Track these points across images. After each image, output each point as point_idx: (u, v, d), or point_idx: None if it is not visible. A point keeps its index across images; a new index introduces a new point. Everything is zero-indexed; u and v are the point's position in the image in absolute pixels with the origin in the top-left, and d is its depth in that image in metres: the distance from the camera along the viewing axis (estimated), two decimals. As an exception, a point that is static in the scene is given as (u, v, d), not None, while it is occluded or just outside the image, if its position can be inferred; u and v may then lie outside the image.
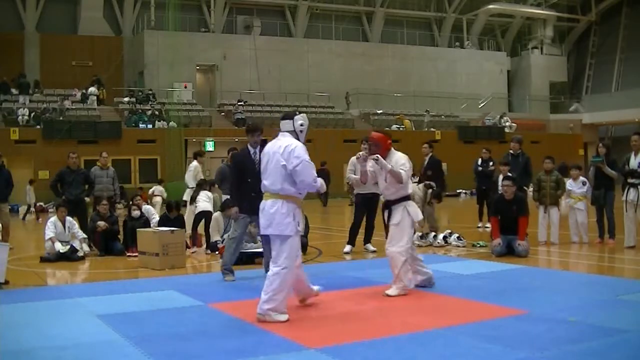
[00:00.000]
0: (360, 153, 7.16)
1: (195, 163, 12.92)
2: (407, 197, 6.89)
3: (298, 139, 5.94)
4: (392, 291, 6.64)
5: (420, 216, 7.03)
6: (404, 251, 6.69)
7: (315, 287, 6.38)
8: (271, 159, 5.87)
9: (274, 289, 5.63)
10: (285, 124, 6.05)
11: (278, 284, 5.64)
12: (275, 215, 5.73)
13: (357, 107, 34.79)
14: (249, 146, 8.16)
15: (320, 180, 5.91)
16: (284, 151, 5.79)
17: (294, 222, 5.72)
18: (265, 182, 5.90)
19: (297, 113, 6.15)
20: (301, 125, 6.00)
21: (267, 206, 5.82)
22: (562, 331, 5.12)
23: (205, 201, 11.37)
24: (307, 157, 5.76)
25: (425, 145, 12.33)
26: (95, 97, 29.01)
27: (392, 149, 6.96)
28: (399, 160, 6.82)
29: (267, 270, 6.50)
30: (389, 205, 6.91)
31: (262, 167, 6.03)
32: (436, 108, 35.59)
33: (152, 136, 27.13)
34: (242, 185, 7.92)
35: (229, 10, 36.34)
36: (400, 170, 6.71)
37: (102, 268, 9.59)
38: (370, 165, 6.87)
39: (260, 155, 7.09)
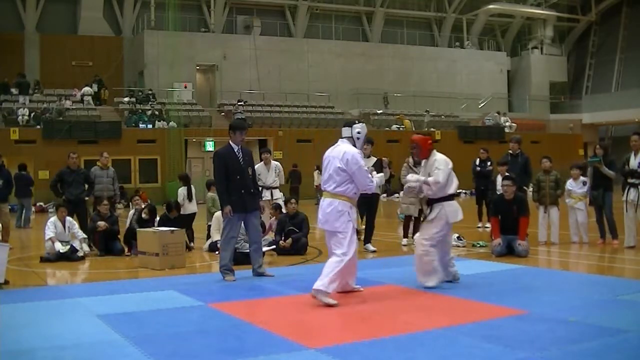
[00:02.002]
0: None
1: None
2: (447, 197, 7.01)
3: (355, 145, 6.62)
4: (429, 282, 6.92)
5: (459, 217, 7.06)
6: (430, 249, 6.85)
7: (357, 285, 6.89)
8: (331, 163, 6.57)
9: (328, 273, 6.22)
10: (345, 131, 6.72)
11: (334, 269, 6.26)
12: (331, 214, 6.47)
13: (357, 107, 34.79)
14: (231, 143, 8.12)
15: (376, 180, 6.76)
16: (343, 157, 6.48)
17: (347, 219, 6.40)
18: (324, 184, 6.64)
19: (357, 122, 6.81)
20: (358, 133, 6.66)
21: (325, 205, 6.55)
22: (562, 331, 5.12)
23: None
24: (362, 162, 6.49)
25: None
26: (90, 97, 28.98)
27: (434, 150, 7.17)
28: (435, 163, 7.00)
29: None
30: (430, 202, 7.10)
31: (323, 169, 6.76)
32: (436, 108, 35.59)
33: (152, 136, 27.13)
34: (229, 183, 7.88)
35: (229, 10, 36.33)
36: (430, 179, 6.93)
37: (102, 268, 9.59)
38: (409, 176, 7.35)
39: (242, 153, 8.00)
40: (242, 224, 8.11)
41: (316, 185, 25.80)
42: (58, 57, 31.60)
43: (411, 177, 7.29)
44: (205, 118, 29.67)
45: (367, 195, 10.33)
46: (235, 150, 8.05)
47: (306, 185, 25.39)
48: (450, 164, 7.02)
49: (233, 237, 8.04)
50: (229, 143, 8.18)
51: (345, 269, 6.37)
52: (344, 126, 6.77)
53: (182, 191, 12.52)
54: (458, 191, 26.68)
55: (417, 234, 7.35)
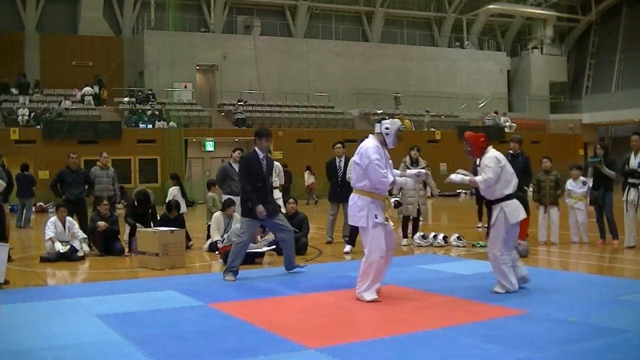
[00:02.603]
0: (422, 171, 7.35)
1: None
2: (505, 198, 6.65)
3: (385, 141, 6.60)
4: (497, 289, 6.70)
5: (520, 216, 6.71)
6: (499, 256, 6.61)
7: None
8: (354, 157, 6.64)
9: (361, 273, 6.42)
10: (376, 127, 6.73)
11: (364, 268, 6.41)
12: (352, 207, 6.58)
13: (357, 107, 34.79)
14: (257, 150, 8.15)
15: (393, 179, 6.50)
16: (359, 151, 6.57)
17: (368, 215, 6.41)
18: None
19: (387, 118, 6.81)
20: (386, 129, 6.63)
21: (350, 199, 6.68)
22: (562, 331, 5.12)
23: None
24: (374, 156, 6.40)
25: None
26: (90, 97, 28.99)
27: (490, 147, 6.85)
28: (485, 160, 6.72)
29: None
30: (489, 205, 6.99)
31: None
32: (436, 108, 35.59)
33: (152, 136, 27.13)
34: (250, 188, 7.95)
35: (229, 10, 36.32)
36: (478, 177, 6.71)
37: (102, 268, 9.59)
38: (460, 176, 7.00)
39: (266, 161, 8.04)
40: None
41: (307, 186, 25.85)
42: (58, 57, 31.59)
43: (455, 176, 7.00)
44: (205, 118, 29.67)
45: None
46: (260, 158, 8.13)
47: (299, 186, 25.38)
48: (503, 162, 6.67)
49: (247, 243, 8.12)
50: (254, 149, 8.23)
51: (378, 264, 6.40)
52: (377, 122, 6.80)
53: (173, 191, 12.51)
54: (458, 191, 26.59)
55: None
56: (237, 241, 8.16)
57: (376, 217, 6.43)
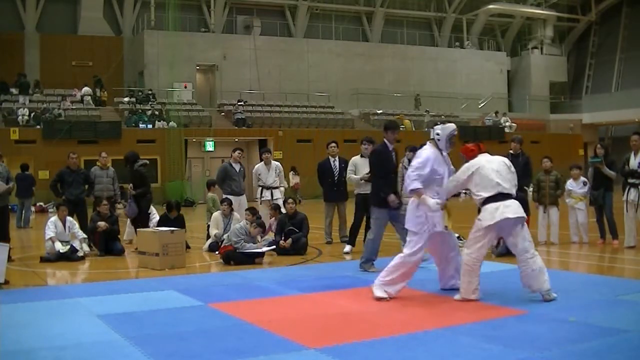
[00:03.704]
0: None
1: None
2: (484, 202, 6.44)
3: (438, 147, 6.70)
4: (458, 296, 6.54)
5: (494, 219, 6.37)
6: (468, 256, 6.46)
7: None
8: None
9: (389, 267, 6.49)
10: (430, 133, 6.80)
11: (394, 265, 6.48)
12: (410, 211, 6.69)
13: (357, 107, 34.80)
14: (386, 142, 8.28)
15: (414, 186, 6.56)
16: (415, 158, 6.72)
17: (423, 221, 6.52)
18: None
19: (439, 123, 6.82)
20: (437, 134, 6.71)
21: (409, 203, 6.79)
22: (562, 331, 5.12)
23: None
24: (419, 165, 6.55)
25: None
26: (89, 97, 28.98)
27: (479, 155, 6.69)
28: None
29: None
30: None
31: None
32: (436, 108, 35.59)
33: (152, 136, 27.12)
34: (383, 179, 8.13)
35: (229, 10, 36.31)
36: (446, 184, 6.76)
37: (102, 268, 9.59)
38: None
39: (395, 153, 8.26)
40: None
41: (291, 186, 25.87)
42: (58, 57, 31.59)
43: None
44: (205, 118, 29.67)
45: (367, 195, 10.39)
46: (390, 149, 8.24)
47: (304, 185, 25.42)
48: (471, 168, 6.53)
49: (380, 235, 8.34)
50: (384, 142, 8.34)
51: (406, 269, 6.48)
52: (430, 127, 6.95)
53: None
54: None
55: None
56: (371, 236, 8.34)
57: (435, 227, 6.54)
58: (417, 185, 6.55)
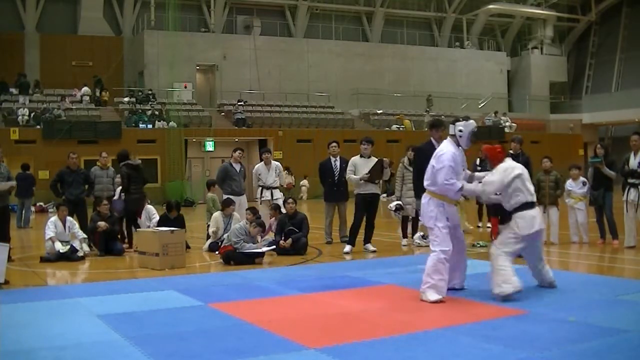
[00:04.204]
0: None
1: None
2: (518, 209, 6.52)
3: (459, 143, 6.65)
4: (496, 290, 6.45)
5: (533, 228, 6.52)
6: (498, 255, 6.44)
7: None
8: (431, 159, 6.71)
9: (426, 271, 6.41)
10: (451, 129, 6.71)
11: (429, 266, 6.41)
12: (423, 207, 6.70)
13: (357, 107, 34.80)
14: (432, 140, 8.21)
15: (461, 185, 6.51)
16: (436, 154, 6.63)
17: (437, 216, 6.49)
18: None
19: (462, 119, 6.77)
20: (459, 131, 6.65)
21: (422, 198, 6.78)
22: (562, 331, 5.12)
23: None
24: (448, 163, 6.45)
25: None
26: (88, 97, 28.97)
27: (508, 158, 6.79)
28: (493, 172, 6.69)
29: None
30: (508, 214, 6.76)
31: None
32: (436, 108, 35.59)
33: (152, 136, 27.13)
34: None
35: (229, 10, 36.31)
36: (481, 186, 6.67)
37: (102, 268, 9.59)
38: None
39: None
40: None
41: (284, 185, 25.85)
42: (58, 57, 31.59)
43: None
44: (205, 118, 29.67)
45: (367, 195, 10.42)
46: (435, 147, 8.22)
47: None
48: (510, 175, 6.54)
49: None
50: (430, 140, 8.28)
51: (443, 264, 6.40)
52: (451, 123, 6.78)
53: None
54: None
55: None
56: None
57: (448, 220, 6.53)
58: (458, 184, 6.52)
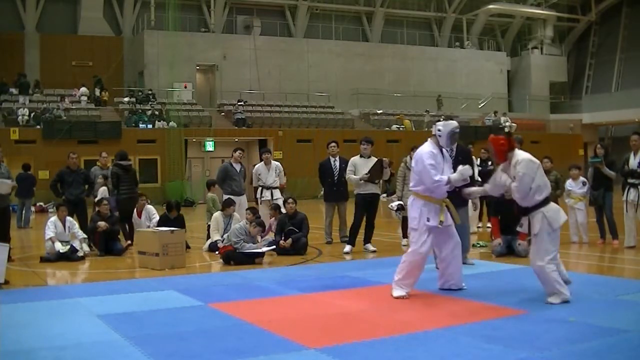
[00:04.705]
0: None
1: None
2: (543, 202, 6.23)
3: (439, 143, 6.68)
4: (552, 299, 6.13)
5: (562, 219, 6.39)
6: (545, 265, 6.18)
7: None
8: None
9: (399, 266, 6.63)
10: (433, 129, 6.80)
11: (400, 263, 6.63)
12: (409, 208, 6.76)
13: (357, 107, 34.80)
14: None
15: (447, 178, 6.48)
16: (415, 156, 6.74)
17: (419, 217, 6.56)
18: None
19: (445, 119, 6.94)
20: (439, 130, 6.70)
21: (409, 199, 6.84)
22: (562, 331, 5.12)
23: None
24: (428, 162, 6.48)
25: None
26: (86, 98, 28.97)
27: (516, 150, 6.33)
28: (517, 166, 6.20)
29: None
30: (527, 212, 6.35)
31: None
32: (436, 108, 35.60)
33: (152, 136, 27.13)
34: None
35: (229, 10, 36.31)
36: (514, 184, 6.23)
37: (102, 268, 9.59)
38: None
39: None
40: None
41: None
42: (58, 57, 31.59)
43: (474, 189, 7.00)
44: (205, 118, 29.68)
45: (367, 195, 10.42)
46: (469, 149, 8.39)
47: (296, 186, 25.41)
48: (536, 164, 6.25)
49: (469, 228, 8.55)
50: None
51: (411, 265, 6.56)
52: (434, 124, 6.93)
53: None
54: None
55: (530, 253, 6.52)
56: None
57: (428, 220, 6.53)
58: (441, 177, 6.49)
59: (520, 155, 6.28)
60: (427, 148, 6.68)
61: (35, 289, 7.81)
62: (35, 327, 5.57)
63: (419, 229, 6.59)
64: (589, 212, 11.09)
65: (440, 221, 6.57)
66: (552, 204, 6.38)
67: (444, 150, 6.80)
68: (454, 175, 6.60)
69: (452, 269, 6.86)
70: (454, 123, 6.83)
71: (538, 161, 6.37)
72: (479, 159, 13.99)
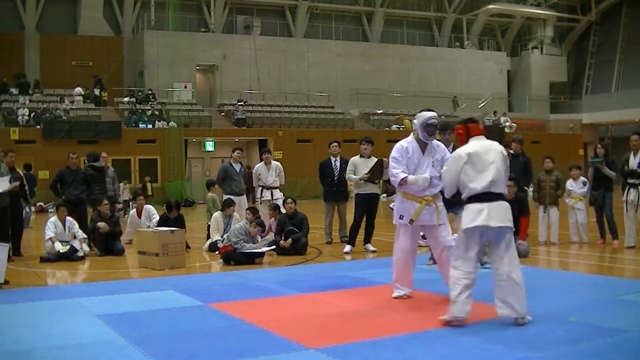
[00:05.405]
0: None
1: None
2: (467, 200, 5.48)
3: (419, 136, 6.44)
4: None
5: (474, 223, 5.33)
6: (451, 266, 5.61)
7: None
8: None
9: (393, 265, 6.61)
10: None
11: (393, 262, 6.62)
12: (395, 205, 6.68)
13: (357, 107, 34.79)
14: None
15: (404, 176, 6.29)
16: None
17: (396, 213, 6.51)
18: None
19: (424, 110, 6.56)
20: (414, 123, 6.54)
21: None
22: (562, 331, 5.11)
23: None
24: (392, 154, 6.42)
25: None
26: (80, 97, 28.97)
27: (471, 140, 5.58)
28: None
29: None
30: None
31: None
32: (436, 108, 35.49)
33: (152, 136, 27.14)
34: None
35: (229, 10, 36.32)
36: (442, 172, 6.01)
37: (102, 268, 9.59)
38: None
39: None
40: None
41: None
42: (58, 57, 31.61)
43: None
44: (205, 118, 29.68)
45: (366, 195, 10.42)
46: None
47: (293, 185, 25.37)
48: (463, 159, 5.44)
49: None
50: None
51: (397, 263, 6.56)
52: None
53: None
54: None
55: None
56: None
57: (401, 218, 6.44)
58: (401, 175, 6.26)
59: (464, 147, 5.57)
60: (402, 141, 6.50)
61: (35, 289, 7.80)
62: (35, 327, 5.56)
63: (399, 225, 6.53)
64: (589, 212, 11.10)
65: (411, 219, 6.30)
66: (473, 205, 5.38)
67: (437, 146, 6.50)
68: (411, 177, 6.25)
69: (444, 270, 6.76)
70: (428, 114, 6.38)
71: (465, 156, 5.47)
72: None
